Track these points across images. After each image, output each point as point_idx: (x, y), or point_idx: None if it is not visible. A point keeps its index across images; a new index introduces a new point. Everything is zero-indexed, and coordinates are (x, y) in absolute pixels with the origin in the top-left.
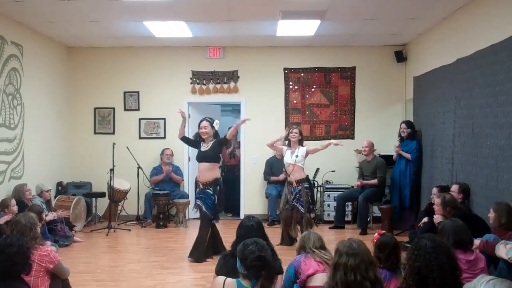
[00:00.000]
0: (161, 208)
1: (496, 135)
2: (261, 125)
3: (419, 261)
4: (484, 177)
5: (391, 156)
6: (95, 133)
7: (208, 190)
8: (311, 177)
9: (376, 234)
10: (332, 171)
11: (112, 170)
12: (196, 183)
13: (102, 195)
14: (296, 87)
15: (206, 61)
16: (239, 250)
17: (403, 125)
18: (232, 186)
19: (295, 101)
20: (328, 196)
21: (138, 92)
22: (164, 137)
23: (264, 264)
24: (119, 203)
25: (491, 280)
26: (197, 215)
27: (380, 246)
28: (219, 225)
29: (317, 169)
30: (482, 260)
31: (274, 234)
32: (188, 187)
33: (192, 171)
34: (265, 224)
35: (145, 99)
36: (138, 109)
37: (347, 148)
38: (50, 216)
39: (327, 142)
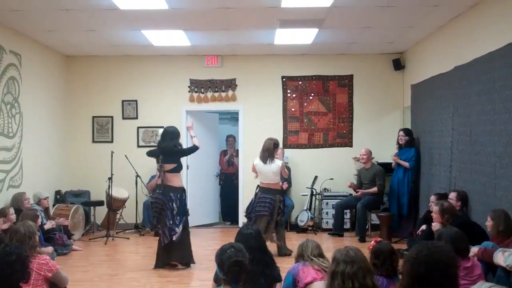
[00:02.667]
0: None
1: (494, 143)
2: (259, 133)
3: (412, 260)
4: (482, 185)
5: (390, 163)
6: (93, 141)
7: None
8: (309, 185)
9: (372, 241)
10: (330, 179)
11: (110, 178)
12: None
13: (100, 203)
14: (294, 95)
15: (204, 69)
16: (217, 255)
17: (401, 133)
18: (230, 194)
19: (293, 109)
20: (327, 204)
21: (136, 101)
22: None
23: (241, 269)
24: (118, 212)
25: (491, 287)
26: (196, 222)
27: (375, 252)
28: (219, 234)
29: (315, 177)
30: (479, 266)
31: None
32: (187, 196)
33: (191, 180)
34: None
35: (143, 107)
36: (136, 118)
37: (345, 156)
38: (48, 224)
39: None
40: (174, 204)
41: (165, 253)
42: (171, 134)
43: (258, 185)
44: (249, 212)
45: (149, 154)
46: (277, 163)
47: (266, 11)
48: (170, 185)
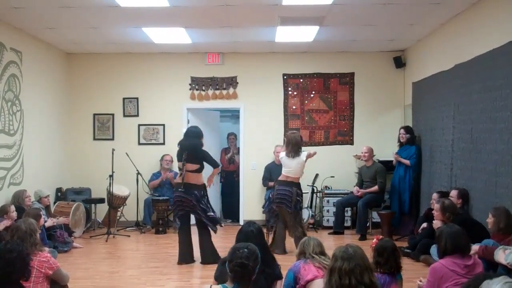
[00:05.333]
0: (160, 214)
1: (495, 140)
2: (260, 131)
3: None
4: (483, 182)
5: (391, 161)
6: (94, 139)
7: None
8: (310, 183)
9: (374, 239)
10: (331, 176)
11: (111, 176)
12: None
13: (101, 201)
14: (295, 93)
15: (205, 67)
16: (230, 251)
17: (402, 131)
18: (231, 191)
19: (294, 107)
20: (327, 201)
21: (137, 98)
22: (164, 143)
23: (244, 272)
24: (119, 209)
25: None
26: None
27: (379, 250)
28: (220, 231)
29: (316, 175)
30: (480, 265)
31: None
32: None
33: None
34: (264, 230)
35: (144, 105)
36: (137, 115)
37: (346, 154)
38: (49, 222)
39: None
40: (202, 200)
41: (189, 249)
42: (194, 133)
43: (275, 179)
44: (267, 205)
45: (178, 159)
46: (302, 157)
47: (267, 8)
48: (192, 183)
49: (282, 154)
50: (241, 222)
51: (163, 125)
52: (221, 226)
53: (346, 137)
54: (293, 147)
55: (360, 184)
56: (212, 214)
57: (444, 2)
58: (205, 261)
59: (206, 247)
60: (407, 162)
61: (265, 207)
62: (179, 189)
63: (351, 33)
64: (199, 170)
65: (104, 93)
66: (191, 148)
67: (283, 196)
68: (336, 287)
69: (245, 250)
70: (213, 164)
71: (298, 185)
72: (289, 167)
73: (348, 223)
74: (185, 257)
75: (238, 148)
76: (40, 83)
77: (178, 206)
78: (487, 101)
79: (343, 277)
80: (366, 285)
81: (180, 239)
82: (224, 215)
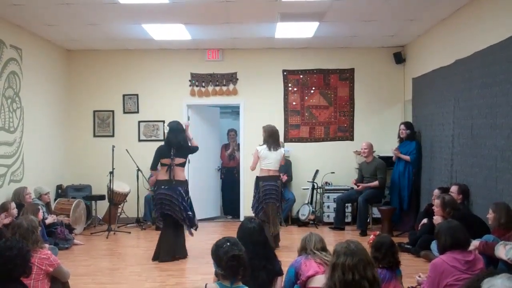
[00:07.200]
0: None
1: (495, 136)
2: (260, 127)
3: None
4: (483, 178)
5: (391, 157)
6: (94, 136)
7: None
8: (310, 179)
9: (371, 235)
10: (332, 172)
11: (111, 172)
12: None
13: (102, 198)
14: (295, 89)
15: (205, 63)
16: (212, 251)
17: (402, 126)
18: (231, 188)
19: (294, 103)
20: (328, 197)
21: (137, 95)
22: (164, 140)
23: (239, 263)
24: (119, 206)
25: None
26: (197, 216)
27: (376, 245)
28: (220, 228)
29: (317, 171)
30: (481, 260)
31: None
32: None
33: (192, 173)
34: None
35: (144, 101)
36: (138, 112)
37: (346, 150)
38: (50, 219)
39: None
40: (186, 197)
41: (172, 247)
42: (179, 130)
43: (256, 176)
44: (256, 207)
45: (160, 156)
46: (281, 150)
47: (267, 4)
48: (178, 180)
49: (261, 148)
50: (242, 219)
51: (163, 121)
52: (196, 229)
53: (346, 133)
54: (273, 139)
55: (361, 180)
56: (191, 214)
57: None
58: (163, 259)
59: (164, 245)
60: (407, 158)
61: (255, 207)
62: (162, 186)
63: (351, 29)
64: (184, 164)
65: (104, 89)
66: (180, 144)
67: (271, 191)
68: (339, 282)
69: (228, 243)
70: (195, 149)
71: (279, 177)
72: (269, 160)
73: (348, 219)
74: (170, 253)
75: (238, 144)
76: (40, 80)
77: (160, 204)
78: (487, 97)
79: (346, 273)
80: (369, 280)
81: (164, 236)
82: (224, 212)
